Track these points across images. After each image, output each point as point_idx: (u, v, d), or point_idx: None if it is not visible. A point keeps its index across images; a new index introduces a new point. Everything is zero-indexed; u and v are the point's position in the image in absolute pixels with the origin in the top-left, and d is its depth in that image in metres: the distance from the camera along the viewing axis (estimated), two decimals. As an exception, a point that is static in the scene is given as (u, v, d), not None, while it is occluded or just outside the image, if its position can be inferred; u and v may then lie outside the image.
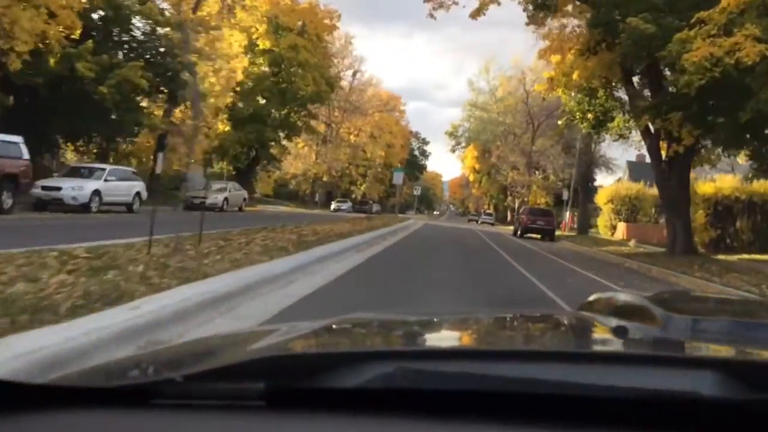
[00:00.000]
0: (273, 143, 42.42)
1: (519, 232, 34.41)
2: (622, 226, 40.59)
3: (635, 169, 52.70)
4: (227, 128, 37.35)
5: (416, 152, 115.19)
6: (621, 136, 26.21)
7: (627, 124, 24.91)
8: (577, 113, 26.48)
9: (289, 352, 1.07)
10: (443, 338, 1.47)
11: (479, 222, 78.15)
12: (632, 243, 27.35)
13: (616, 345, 1.23)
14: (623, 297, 1.69)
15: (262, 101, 39.90)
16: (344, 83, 73.29)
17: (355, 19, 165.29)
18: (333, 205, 65.76)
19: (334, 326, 1.37)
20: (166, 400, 0.87)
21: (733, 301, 2.50)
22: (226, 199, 32.01)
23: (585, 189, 38.69)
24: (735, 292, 11.02)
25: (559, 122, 32.46)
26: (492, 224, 74.29)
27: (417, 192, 64.57)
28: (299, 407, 0.86)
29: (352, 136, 76.59)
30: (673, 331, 1.23)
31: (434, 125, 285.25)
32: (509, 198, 67.36)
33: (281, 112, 41.25)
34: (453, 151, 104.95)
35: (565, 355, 1.04)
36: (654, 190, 45.22)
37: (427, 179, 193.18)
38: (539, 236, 34.05)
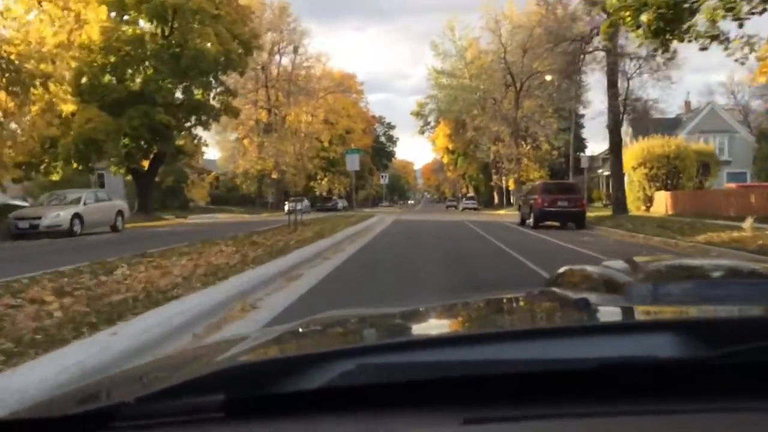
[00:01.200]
0: (177, 132, 30.37)
1: (533, 220, 22.86)
2: (662, 197, 29.43)
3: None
4: (96, 113, 25.28)
5: (382, 138, 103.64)
6: (713, 38, 14.74)
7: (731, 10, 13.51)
8: (627, 15, 15.27)
9: (243, 361, 1.04)
10: (404, 330, 1.41)
11: (460, 208, 66.98)
12: (748, 223, 15.99)
13: (577, 317, 1.19)
14: (590, 269, 1.63)
15: (149, 72, 27.88)
16: (285, 61, 61.52)
17: (305, 15, 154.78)
18: (287, 206, 54.31)
19: (297, 330, 1.35)
20: (125, 422, 0.86)
21: (698, 265, 2.03)
22: (77, 216, 20.19)
23: (617, 148, 27.03)
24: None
25: (601, 33, 20.93)
26: (476, 209, 63.25)
27: (384, 180, 52.78)
28: (260, 415, 0.86)
29: (303, 124, 64.75)
30: (636, 298, 1.24)
31: (400, 115, 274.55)
32: (495, 177, 55.91)
33: (178, 87, 29.33)
34: (422, 132, 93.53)
35: (522, 333, 1.03)
36: (698, 146, 35.26)
37: (399, 168, 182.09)
38: (558, 223, 22.75)
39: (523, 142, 49.16)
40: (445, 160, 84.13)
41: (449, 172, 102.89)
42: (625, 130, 55.41)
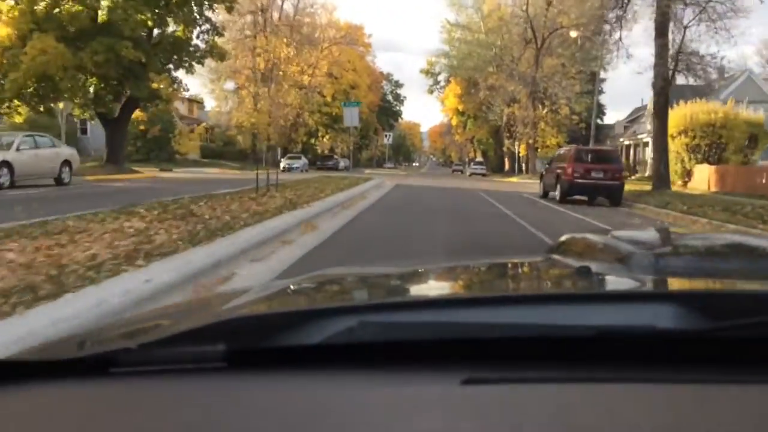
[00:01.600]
0: (155, 74, 26.28)
1: (559, 194, 19.00)
2: (704, 171, 25.50)
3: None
4: (52, 44, 21.31)
5: (389, 97, 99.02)
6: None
7: None
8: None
9: (247, 313, 1.05)
10: (407, 290, 1.42)
11: (468, 173, 62.97)
12: None
13: (579, 285, 1.22)
14: (593, 237, 1.63)
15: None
16: (287, 5, 56.91)
17: None
18: (282, 164, 50.43)
19: (301, 284, 1.34)
20: (125, 368, 0.87)
21: (701, 237, 2.10)
22: (5, 164, 16.44)
23: (663, 112, 22.83)
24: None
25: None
26: (484, 175, 59.31)
27: (388, 140, 48.83)
28: (261, 367, 0.87)
29: (306, 76, 60.41)
30: (636, 268, 1.23)
31: (409, 75, 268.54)
32: (507, 141, 51.80)
33: (153, 18, 25.20)
34: (431, 92, 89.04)
35: (523, 297, 1.05)
36: (747, 115, 28.57)
37: (405, 129, 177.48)
38: (586, 198, 18.95)
39: (540, 105, 44.92)
40: (454, 122, 79.75)
41: (457, 135, 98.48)
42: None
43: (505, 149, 53.86)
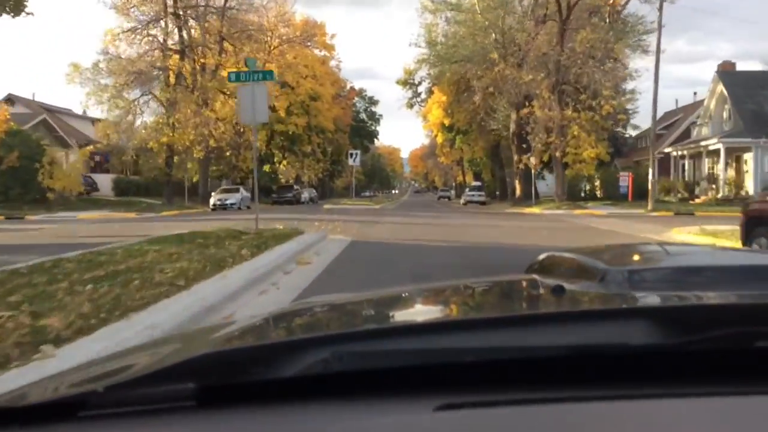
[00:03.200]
0: None
1: None
2: None
3: None
4: None
5: (363, 115, 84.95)
6: None
7: None
8: None
9: (215, 349, 1.03)
10: (381, 317, 1.39)
11: (462, 201, 48.52)
12: None
13: (552, 304, 1.21)
14: (570, 255, 1.63)
15: None
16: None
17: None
18: (213, 200, 35.83)
19: (272, 317, 1.33)
20: (94, 411, 0.85)
21: (675, 250, 2.16)
22: None
23: None
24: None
25: None
26: (483, 203, 44.91)
27: (354, 160, 34.22)
28: (234, 404, 0.84)
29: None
30: (611, 285, 1.23)
31: (387, 102, 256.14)
32: (517, 157, 37.39)
33: None
34: (410, 106, 74.57)
35: (496, 320, 1.03)
36: None
37: (384, 154, 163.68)
38: None
39: (569, 102, 30.59)
40: (439, 139, 65.50)
41: (442, 157, 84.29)
42: (714, 88, 37.22)
43: (514, 168, 39.25)
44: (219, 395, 0.83)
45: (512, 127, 37.43)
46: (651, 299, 1.16)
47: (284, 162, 53.72)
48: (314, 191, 64.65)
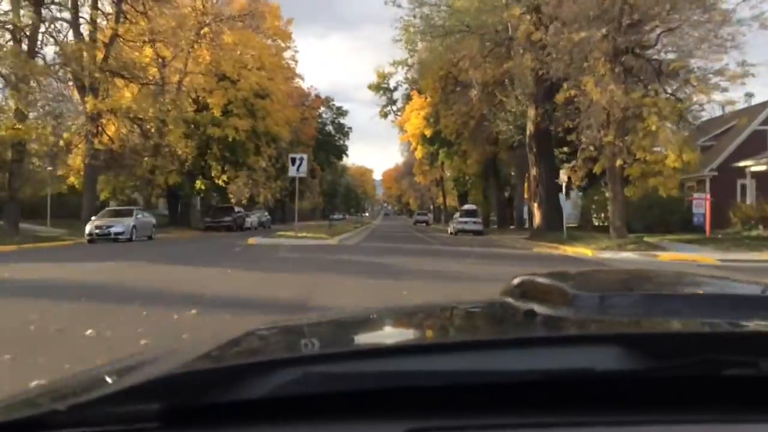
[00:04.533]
0: None
1: None
2: None
3: None
4: None
5: (329, 128, 73.15)
6: None
7: None
8: None
9: (180, 369, 0.98)
10: (351, 337, 1.38)
11: (452, 230, 36.73)
12: None
13: (522, 328, 1.21)
14: (543, 279, 1.59)
15: None
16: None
17: None
18: (89, 227, 23.59)
19: (242, 337, 1.27)
20: (55, 431, 0.83)
21: (647, 277, 1.98)
22: None
23: None
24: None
25: None
26: (478, 233, 33.43)
27: (299, 171, 21.70)
28: (198, 425, 0.83)
29: (170, 69, 33.85)
30: (581, 310, 1.21)
31: (362, 125, 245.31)
32: (535, 171, 25.68)
33: None
34: (384, 114, 63.18)
35: (467, 343, 1.02)
36: None
37: (356, 175, 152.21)
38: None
39: (636, 80, 18.98)
40: (418, 153, 53.86)
41: (420, 176, 72.87)
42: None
43: (529, 186, 27.42)
44: (184, 416, 0.81)
45: (529, 128, 25.90)
46: (620, 325, 1.14)
47: (223, 177, 41.39)
48: (266, 214, 52.58)
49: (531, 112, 25.65)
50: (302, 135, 65.06)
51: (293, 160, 21.26)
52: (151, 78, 31.08)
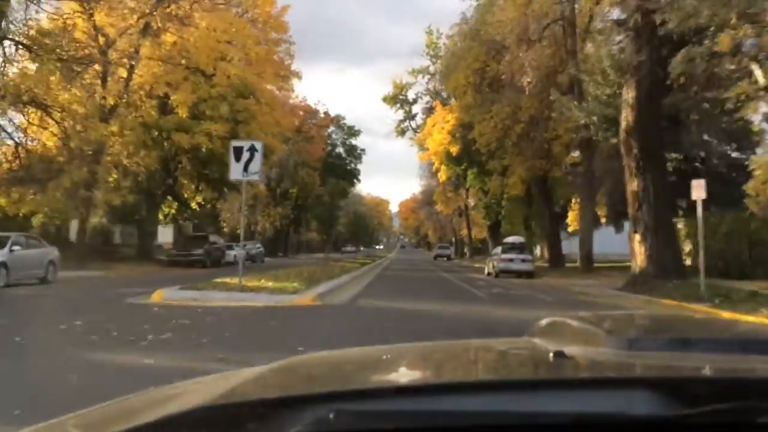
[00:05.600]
0: None
1: None
2: None
3: None
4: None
5: (340, 149, 64.28)
6: None
7: None
8: None
9: (212, 404, 0.97)
10: (383, 375, 1.34)
11: (489, 269, 27.01)
12: None
13: (552, 370, 1.16)
14: (571, 321, 1.59)
15: None
16: None
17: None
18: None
19: (273, 371, 1.27)
20: None
21: (677, 320, 2.18)
22: None
23: None
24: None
25: None
26: (529, 274, 24.12)
27: (249, 171, 12.10)
28: None
29: (115, 53, 25.08)
30: (612, 353, 1.20)
31: (378, 158, 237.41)
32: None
33: None
34: (401, 132, 54.27)
35: (498, 384, 1.02)
36: None
37: (370, 205, 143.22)
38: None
39: None
40: (443, 175, 44.52)
41: (441, 205, 63.73)
42: None
43: (633, 205, 17.88)
44: None
45: (625, 118, 16.56)
46: (652, 369, 1.12)
47: (197, 198, 32.28)
48: (258, 246, 43.34)
49: (629, 94, 16.33)
50: (307, 154, 56.30)
51: (238, 152, 12.01)
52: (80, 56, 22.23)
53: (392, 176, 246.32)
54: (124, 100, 25.16)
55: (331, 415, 0.80)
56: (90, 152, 24.17)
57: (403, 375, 1.36)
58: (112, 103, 24.39)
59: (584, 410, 0.84)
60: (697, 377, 1.02)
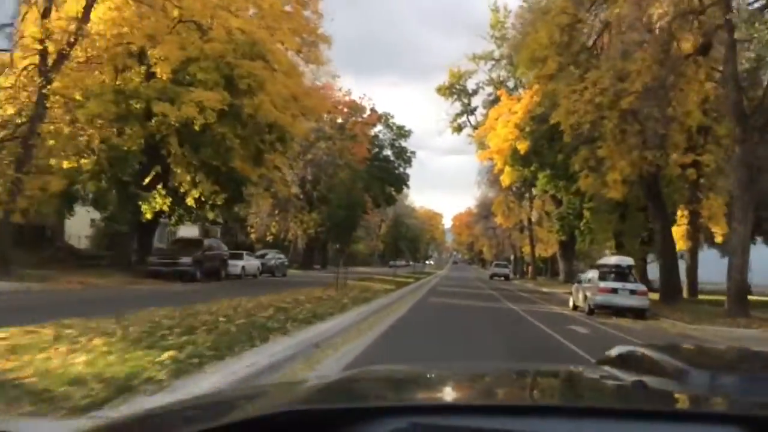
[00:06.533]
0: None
1: None
2: None
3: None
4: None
5: (388, 151, 56.57)
6: None
7: None
8: None
9: (299, 407, 1.00)
10: (457, 392, 1.34)
11: (583, 302, 18.59)
12: None
13: (635, 400, 1.12)
14: (642, 350, 1.56)
15: None
16: None
17: (342, 66, 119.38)
18: None
19: (352, 380, 1.30)
20: None
21: (750, 354, 2.04)
22: None
23: None
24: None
25: None
26: (640, 312, 15.43)
27: None
28: None
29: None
30: (692, 386, 1.18)
31: (434, 173, 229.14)
32: None
33: None
34: (458, 128, 46.21)
35: (579, 410, 0.99)
36: None
37: (424, 218, 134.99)
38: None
39: None
40: (506, 178, 36.08)
41: (500, 217, 54.98)
42: None
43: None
44: None
45: None
46: (737, 405, 1.06)
47: (193, 192, 24.97)
48: (280, 256, 35.91)
49: None
50: (349, 154, 48.87)
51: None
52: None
53: (448, 193, 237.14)
54: (76, 50, 18.12)
55: (408, 426, 0.79)
56: (22, 120, 17.28)
57: (477, 394, 1.29)
58: (53, 50, 17.33)
59: None
60: None
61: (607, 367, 1.46)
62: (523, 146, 31.91)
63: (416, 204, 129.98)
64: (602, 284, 16.83)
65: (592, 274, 18.20)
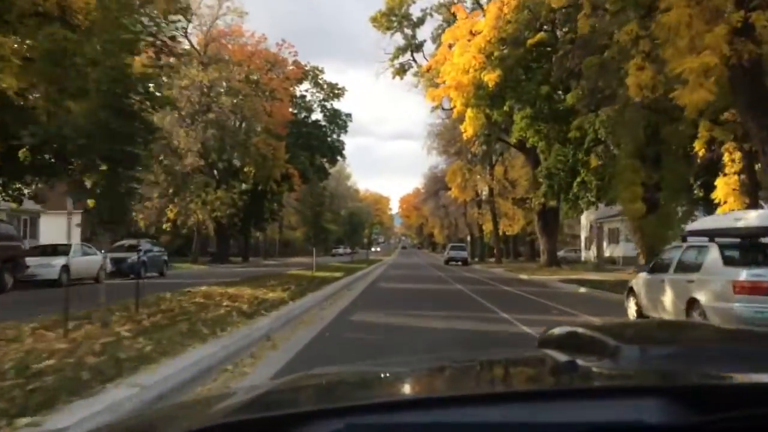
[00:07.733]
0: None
1: None
2: None
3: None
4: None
5: (318, 116, 46.01)
6: None
7: None
8: None
9: (226, 420, 0.98)
10: (395, 389, 1.34)
11: (644, 309, 8.88)
12: None
13: (565, 380, 1.15)
14: (578, 329, 1.56)
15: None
16: None
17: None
18: None
19: (287, 386, 1.29)
20: None
21: (685, 327, 2.13)
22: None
23: None
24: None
25: None
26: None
27: None
28: None
29: None
30: (623, 361, 1.19)
31: (378, 160, 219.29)
32: None
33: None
34: (402, 70, 36.17)
35: (511, 395, 1.00)
36: None
37: (369, 201, 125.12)
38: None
39: None
40: (468, 127, 26.33)
41: (455, 188, 45.45)
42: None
43: None
44: None
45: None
46: (666, 377, 1.09)
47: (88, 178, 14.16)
48: (156, 249, 25.25)
49: None
50: (266, 115, 38.32)
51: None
52: None
53: (395, 179, 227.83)
54: None
55: (343, 428, 0.78)
56: None
57: (415, 388, 1.30)
58: None
59: (596, 420, 0.81)
60: (709, 384, 0.98)
61: (544, 350, 1.44)
62: (491, 77, 22.22)
63: (357, 182, 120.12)
64: (746, 275, 7.09)
65: (702, 254, 8.30)
